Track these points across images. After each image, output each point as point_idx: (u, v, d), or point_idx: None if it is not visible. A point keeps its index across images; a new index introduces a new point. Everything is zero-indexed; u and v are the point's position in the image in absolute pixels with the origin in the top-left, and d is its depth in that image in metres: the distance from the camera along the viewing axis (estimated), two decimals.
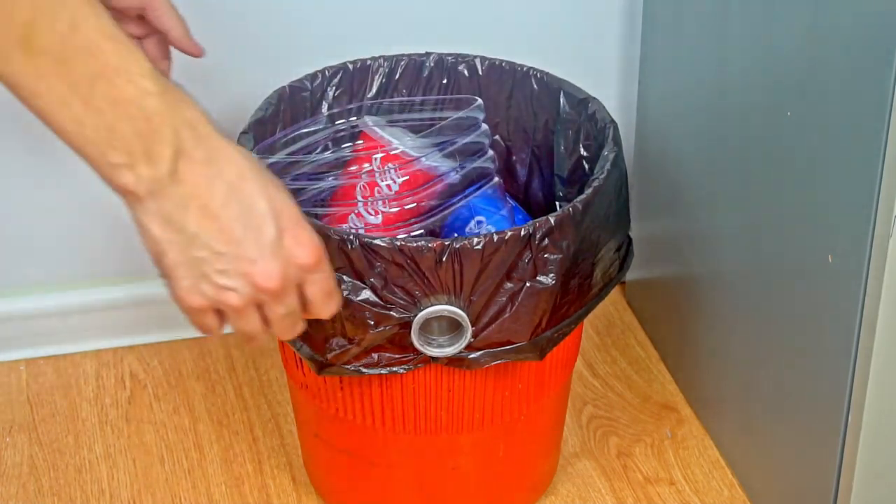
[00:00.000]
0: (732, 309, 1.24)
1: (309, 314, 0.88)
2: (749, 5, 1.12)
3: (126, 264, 1.42)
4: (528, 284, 1.01)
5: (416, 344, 1.02)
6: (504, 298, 1.01)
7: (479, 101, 1.15)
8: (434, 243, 0.98)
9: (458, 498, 1.18)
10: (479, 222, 1.11)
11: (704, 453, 1.31)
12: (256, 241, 0.80)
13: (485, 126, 1.13)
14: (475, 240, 0.98)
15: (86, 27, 0.73)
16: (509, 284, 1.01)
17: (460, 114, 1.13)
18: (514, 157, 1.23)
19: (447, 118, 1.14)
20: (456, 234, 1.11)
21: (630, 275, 1.50)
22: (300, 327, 0.88)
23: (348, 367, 1.03)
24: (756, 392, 1.21)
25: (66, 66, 0.73)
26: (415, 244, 0.98)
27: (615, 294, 1.51)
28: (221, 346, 1.44)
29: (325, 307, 0.87)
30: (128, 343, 1.44)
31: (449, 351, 1.02)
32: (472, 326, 1.01)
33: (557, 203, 1.19)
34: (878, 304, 0.99)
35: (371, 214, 1.11)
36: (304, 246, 0.83)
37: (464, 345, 1.02)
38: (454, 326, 1.02)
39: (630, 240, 1.14)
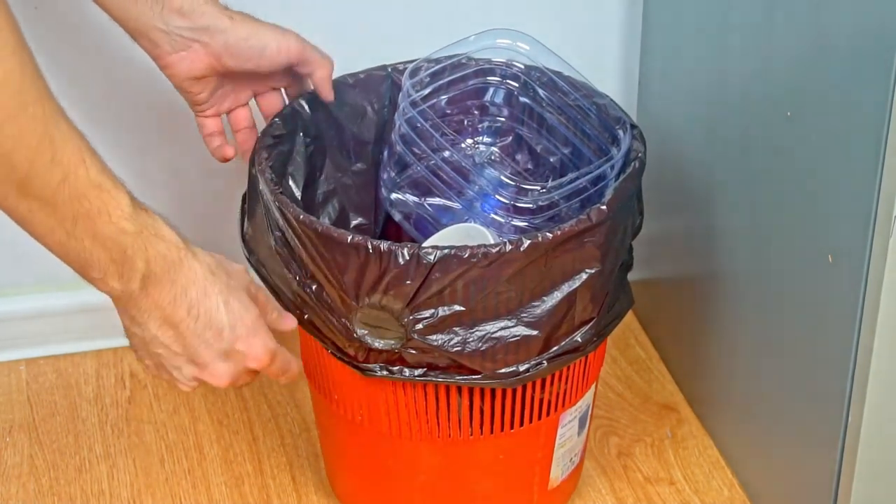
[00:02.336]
0: (732, 309, 1.24)
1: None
2: (749, 5, 1.12)
3: None
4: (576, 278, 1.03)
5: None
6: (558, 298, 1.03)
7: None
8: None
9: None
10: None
11: (704, 453, 1.31)
12: (209, 349, 0.95)
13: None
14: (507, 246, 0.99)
15: (75, 179, 0.84)
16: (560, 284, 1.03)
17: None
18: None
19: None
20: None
21: (630, 275, 1.50)
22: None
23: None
24: (756, 392, 1.21)
25: (53, 208, 0.84)
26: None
27: None
28: None
29: (282, 379, 1.03)
30: (128, 343, 1.44)
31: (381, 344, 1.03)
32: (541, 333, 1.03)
33: None
34: (878, 304, 0.99)
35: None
36: (255, 352, 0.97)
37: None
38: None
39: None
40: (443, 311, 1.00)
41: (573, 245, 1.01)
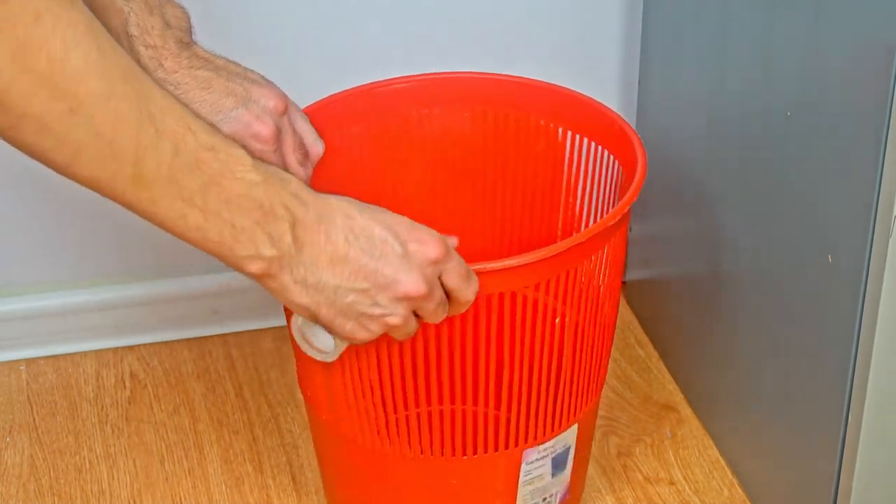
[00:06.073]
0: (732, 309, 1.24)
1: (455, 301, 0.95)
2: (749, 5, 1.12)
3: (126, 264, 1.42)
4: None
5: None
6: None
7: None
8: None
9: None
10: None
11: (704, 453, 1.31)
12: (389, 263, 0.89)
13: None
14: None
15: (185, 147, 0.80)
16: None
17: None
18: None
19: None
20: None
21: (630, 275, 1.50)
22: (444, 313, 0.95)
23: None
24: (756, 392, 1.21)
25: (177, 187, 0.80)
26: None
27: None
28: (221, 346, 1.44)
29: (466, 290, 0.94)
30: (128, 343, 1.44)
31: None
32: None
33: None
34: (878, 304, 0.99)
35: None
36: (428, 244, 0.90)
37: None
38: None
39: None
40: None
41: None
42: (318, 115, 1.12)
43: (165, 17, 1.03)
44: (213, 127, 0.83)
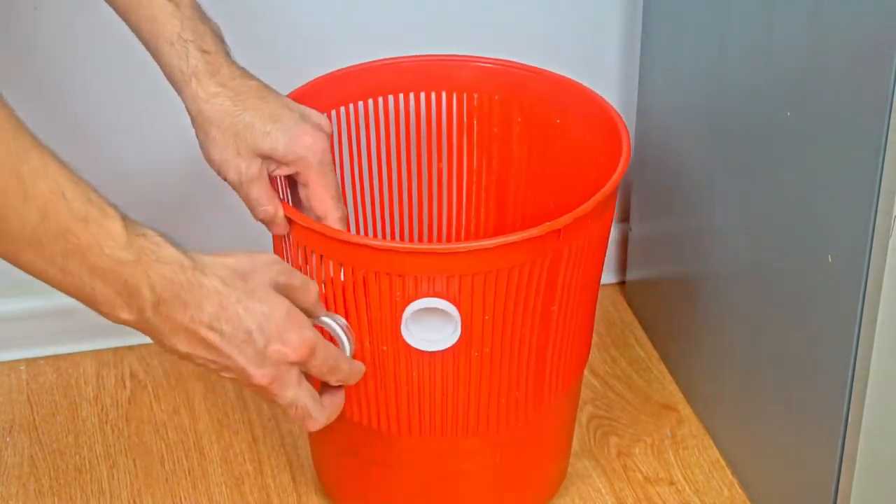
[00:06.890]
0: (732, 309, 1.24)
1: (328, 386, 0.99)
2: (749, 5, 1.12)
3: None
4: None
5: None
6: None
7: None
8: None
9: (464, 500, 1.17)
10: None
11: (704, 453, 1.31)
12: (243, 354, 0.90)
13: None
14: None
15: (56, 216, 0.80)
16: None
17: None
18: None
19: None
20: None
21: (630, 275, 1.50)
22: (314, 420, 0.97)
23: None
24: (756, 391, 1.21)
25: (39, 248, 0.81)
26: None
27: (615, 294, 1.51)
28: None
29: (331, 379, 0.98)
30: (128, 343, 1.44)
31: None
32: None
33: None
34: (878, 304, 0.99)
35: None
36: (292, 346, 0.92)
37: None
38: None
39: None
40: None
41: None
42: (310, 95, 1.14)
43: (212, 27, 1.05)
44: (94, 194, 0.82)
